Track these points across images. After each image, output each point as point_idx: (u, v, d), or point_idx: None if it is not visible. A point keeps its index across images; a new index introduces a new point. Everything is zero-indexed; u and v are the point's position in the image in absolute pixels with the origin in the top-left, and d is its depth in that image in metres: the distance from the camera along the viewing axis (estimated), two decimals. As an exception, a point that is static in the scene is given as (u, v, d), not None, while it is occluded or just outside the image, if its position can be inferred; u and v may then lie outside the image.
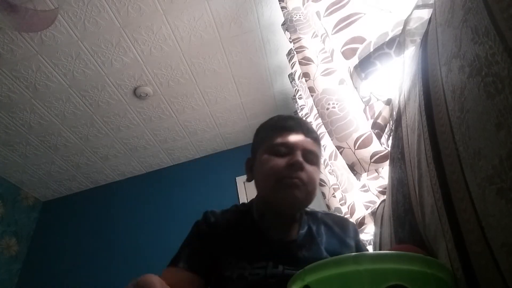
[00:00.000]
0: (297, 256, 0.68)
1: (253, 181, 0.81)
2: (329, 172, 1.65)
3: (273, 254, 0.68)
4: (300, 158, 0.69)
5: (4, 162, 2.79)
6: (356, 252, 0.70)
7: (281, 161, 0.70)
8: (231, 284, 0.65)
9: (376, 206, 1.20)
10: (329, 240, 0.76)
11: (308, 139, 0.75)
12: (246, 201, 0.88)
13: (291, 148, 0.71)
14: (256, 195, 0.80)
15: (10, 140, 2.60)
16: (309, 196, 0.72)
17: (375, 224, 1.15)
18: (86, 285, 2.66)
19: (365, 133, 1.07)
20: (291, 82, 2.40)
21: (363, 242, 0.86)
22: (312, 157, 0.74)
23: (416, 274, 0.37)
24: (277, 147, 0.72)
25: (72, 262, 2.83)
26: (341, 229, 0.80)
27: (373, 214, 1.23)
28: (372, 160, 1.04)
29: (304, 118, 0.81)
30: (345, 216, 1.13)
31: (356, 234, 0.82)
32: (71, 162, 2.94)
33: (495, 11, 0.38)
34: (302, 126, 0.76)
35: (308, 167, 0.71)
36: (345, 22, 0.96)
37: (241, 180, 2.91)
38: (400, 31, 0.74)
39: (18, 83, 2.21)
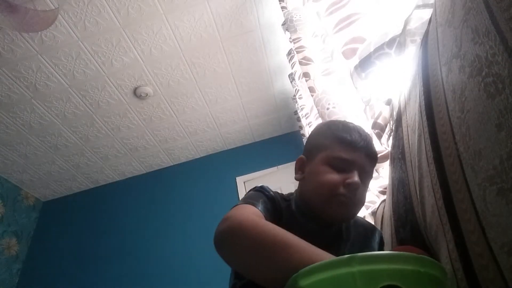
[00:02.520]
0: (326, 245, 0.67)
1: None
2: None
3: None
4: (358, 179, 0.68)
5: (4, 162, 2.79)
6: None
7: (338, 177, 0.69)
8: None
9: (377, 206, 1.20)
10: (356, 238, 0.77)
11: (369, 160, 0.73)
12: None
13: (350, 166, 0.70)
14: (298, 195, 0.79)
15: (10, 140, 2.60)
16: (356, 214, 0.74)
17: (376, 224, 1.15)
18: (86, 285, 2.67)
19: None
20: (291, 82, 2.40)
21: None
22: (367, 177, 0.73)
23: (409, 274, 0.37)
24: (337, 161, 0.70)
25: (72, 262, 2.83)
26: (369, 231, 0.82)
27: (374, 214, 1.23)
28: (372, 160, 1.04)
29: (366, 133, 0.77)
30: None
31: (381, 241, 0.83)
32: (71, 162, 2.94)
33: (495, 11, 0.38)
34: (367, 145, 0.73)
35: (361, 187, 0.70)
36: (345, 22, 0.96)
37: (241, 180, 2.91)
38: (400, 31, 0.74)
39: (18, 83, 2.21)
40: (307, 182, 0.76)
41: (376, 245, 0.79)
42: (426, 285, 0.37)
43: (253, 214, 0.61)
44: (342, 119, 1.16)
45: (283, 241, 0.49)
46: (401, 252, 0.39)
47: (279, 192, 0.82)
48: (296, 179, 0.79)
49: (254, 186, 0.79)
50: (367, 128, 1.02)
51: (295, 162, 0.81)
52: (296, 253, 0.47)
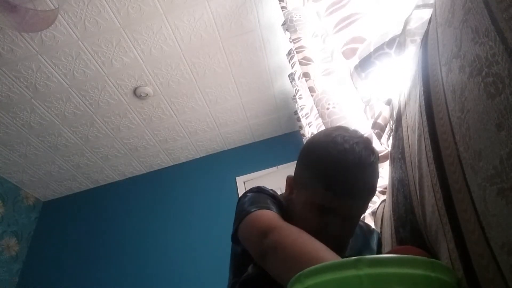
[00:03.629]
0: None
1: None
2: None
3: None
4: (340, 228, 0.63)
5: (4, 162, 2.79)
6: None
7: (319, 222, 0.63)
8: None
9: (376, 206, 1.20)
10: (355, 239, 0.75)
11: (361, 202, 0.65)
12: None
13: (334, 212, 0.63)
14: (285, 208, 0.74)
15: (10, 140, 2.60)
16: (345, 245, 0.69)
17: (376, 224, 1.15)
18: (86, 285, 2.66)
19: (365, 133, 1.07)
20: (291, 82, 2.40)
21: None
22: (357, 214, 0.67)
23: (419, 278, 0.35)
24: (322, 205, 0.63)
25: (72, 262, 2.83)
26: (367, 232, 0.81)
27: (373, 214, 1.23)
28: (372, 160, 1.03)
29: (370, 160, 0.64)
30: None
31: (380, 243, 0.82)
32: (71, 162, 2.94)
33: (495, 11, 0.38)
34: (360, 189, 0.63)
35: (349, 226, 0.65)
36: (345, 22, 0.96)
37: (241, 180, 2.91)
38: (400, 31, 0.74)
39: (18, 83, 2.21)
40: (291, 208, 0.71)
41: (374, 247, 0.78)
42: None
43: (285, 225, 0.60)
44: (342, 119, 1.16)
45: (320, 259, 0.48)
46: (411, 256, 0.37)
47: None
48: (284, 198, 0.75)
49: (251, 188, 0.76)
50: (367, 128, 1.02)
51: (295, 162, 0.75)
52: None
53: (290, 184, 0.73)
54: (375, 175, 0.65)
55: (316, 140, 0.70)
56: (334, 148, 0.63)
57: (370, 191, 0.65)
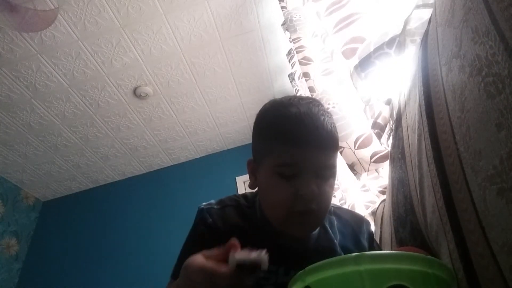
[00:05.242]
0: (311, 261, 0.52)
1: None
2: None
3: (284, 260, 0.62)
4: (313, 187, 0.57)
5: (4, 162, 2.79)
6: None
7: (289, 190, 0.57)
8: None
9: (376, 206, 1.20)
10: (344, 239, 0.70)
11: (325, 153, 0.59)
12: (247, 194, 0.76)
13: (302, 169, 0.58)
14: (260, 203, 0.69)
15: (10, 140, 2.60)
16: (323, 218, 0.64)
17: (375, 224, 1.15)
18: (86, 285, 2.66)
19: (365, 133, 1.07)
20: (291, 82, 2.40)
21: (377, 242, 0.78)
22: (328, 172, 0.60)
23: (417, 274, 0.37)
24: (284, 168, 0.58)
25: (72, 262, 2.83)
26: (356, 227, 0.73)
27: (373, 214, 1.23)
28: (372, 160, 1.04)
29: (322, 111, 0.61)
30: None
31: (370, 234, 0.75)
32: (71, 162, 2.94)
33: (495, 11, 0.38)
34: (319, 135, 0.58)
35: (322, 187, 0.59)
36: (345, 22, 0.96)
37: (241, 180, 2.91)
38: (400, 31, 0.74)
39: (18, 83, 2.21)
40: (260, 193, 0.66)
41: (365, 242, 0.72)
42: (433, 286, 0.37)
43: None
44: (342, 118, 1.16)
45: None
46: (409, 252, 0.39)
47: (238, 196, 0.74)
48: (249, 187, 0.68)
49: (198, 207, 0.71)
50: (367, 127, 1.02)
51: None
52: None
53: (252, 167, 0.68)
54: (331, 123, 0.62)
55: (263, 110, 0.69)
56: (283, 106, 0.63)
57: (330, 138, 0.61)
